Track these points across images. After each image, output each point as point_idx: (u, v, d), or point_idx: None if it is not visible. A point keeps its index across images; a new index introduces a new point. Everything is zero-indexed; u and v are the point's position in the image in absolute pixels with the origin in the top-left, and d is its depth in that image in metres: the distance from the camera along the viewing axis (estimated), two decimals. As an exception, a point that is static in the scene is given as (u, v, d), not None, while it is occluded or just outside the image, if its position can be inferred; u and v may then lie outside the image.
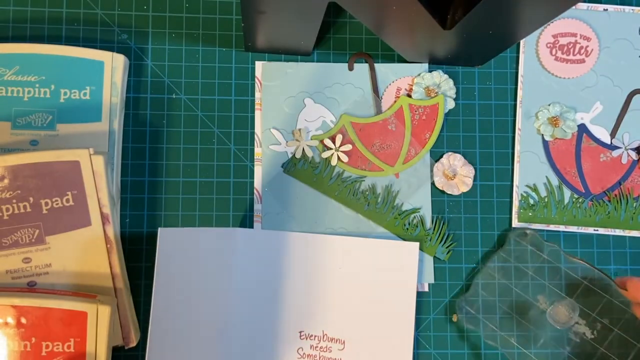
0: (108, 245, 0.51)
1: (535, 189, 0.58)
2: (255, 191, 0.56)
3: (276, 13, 0.48)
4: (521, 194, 0.58)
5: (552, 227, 0.58)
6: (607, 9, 0.59)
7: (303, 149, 0.56)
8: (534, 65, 0.59)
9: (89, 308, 0.47)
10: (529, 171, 0.58)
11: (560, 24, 0.59)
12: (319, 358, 0.54)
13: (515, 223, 0.57)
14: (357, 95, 0.57)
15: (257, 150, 0.57)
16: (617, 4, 0.60)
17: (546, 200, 0.58)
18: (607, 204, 0.58)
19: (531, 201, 0.58)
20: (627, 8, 0.59)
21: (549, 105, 0.58)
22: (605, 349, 0.54)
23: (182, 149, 0.56)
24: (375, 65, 0.58)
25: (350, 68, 0.58)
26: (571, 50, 0.59)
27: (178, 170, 0.56)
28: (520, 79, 0.59)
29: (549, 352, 0.54)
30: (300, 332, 0.54)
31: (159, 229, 0.50)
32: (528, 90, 0.59)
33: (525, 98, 0.59)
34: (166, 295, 0.51)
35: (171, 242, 0.51)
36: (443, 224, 0.57)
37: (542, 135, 0.58)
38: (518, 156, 0.58)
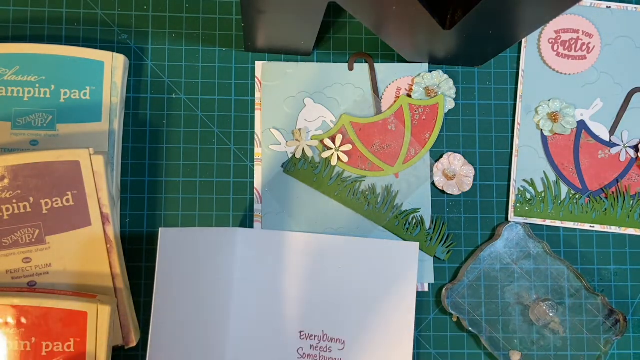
0: (108, 245, 0.51)
1: (532, 184, 0.58)
2: (255, 191, 0.56)
3: (276, 13, 0.48)
4: (518, 189, 0.58)
5: (548, 222, 0.57)
6: (610, 7, 0.59)
7: (303, 149, 0.56)
8: (535, 60, 0.59)
9: (89, 308, 0.47)
10: (527, 166, 0.58)
11: (563, 20, 0.59)
12: (319, 358, 0.54)
13: (511, 217, 0.57)
14: (357, 95, 0.57)
15: (257, 150, 0.57)
16: (620, 2, 0.59)
17: (543, 195, 0.58)
18: (604, 201, 0.58)
19: (528, 196, 0.58)
20: (630, 6, 0.59)
21: (549, 100, 0.58)
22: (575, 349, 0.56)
23: (182, 149, 0.56)
24: (375, 65, 0.58)
25: (350, 68, 0.58)
26: (573, 46, 0.59)
27: (178, 170, 0.56)
28: (521, 73, 0.59)
29: (517, 337, 0.56)
30: (300, 332, 0.55)
31: (160, 229, 0.50)
32: (529, 85, 0.59)
33: (525, 93, 0.58)
34: (167, 295, 0.51)
35: (172, 242, 0.51)
36: (443, 223, 0.57)
37: (542, 130, 0.58)
38: (516, 150, 0.58)
